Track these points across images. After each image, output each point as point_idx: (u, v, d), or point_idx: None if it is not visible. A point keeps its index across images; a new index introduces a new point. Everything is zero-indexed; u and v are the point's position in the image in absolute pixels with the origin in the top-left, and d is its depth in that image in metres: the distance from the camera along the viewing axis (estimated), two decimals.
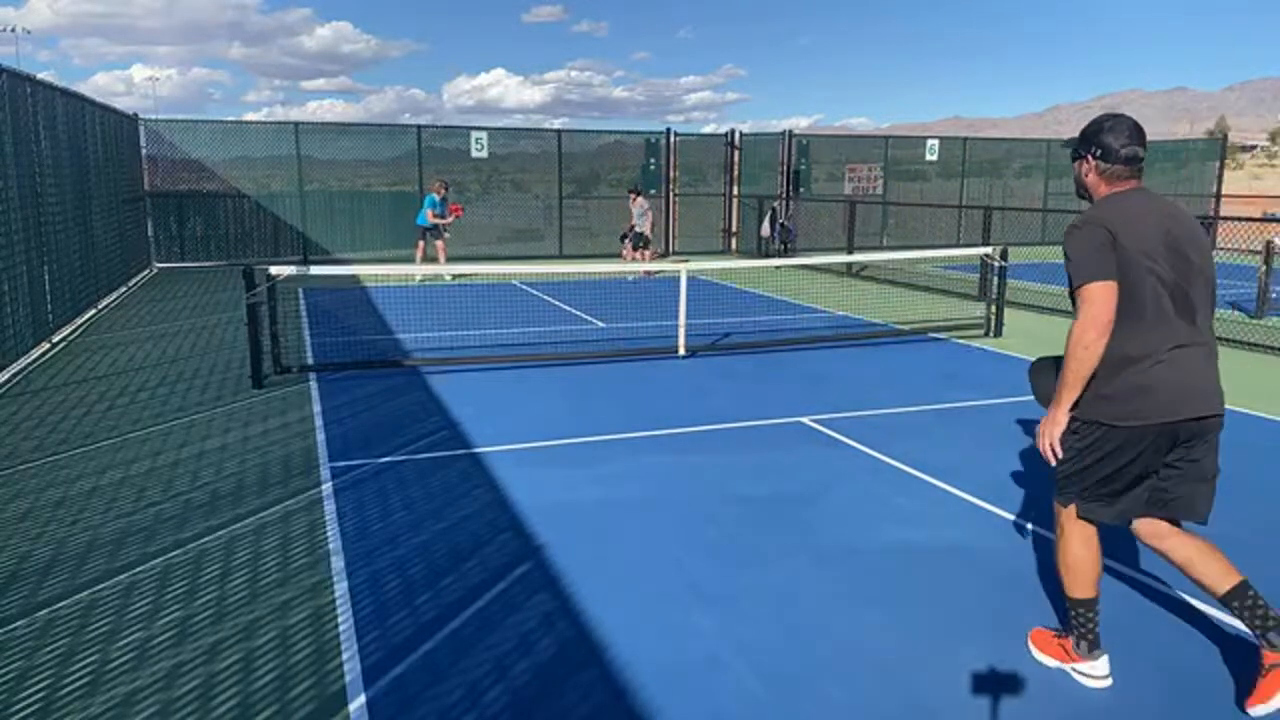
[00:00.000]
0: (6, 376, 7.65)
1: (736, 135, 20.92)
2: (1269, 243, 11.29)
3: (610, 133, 21.11)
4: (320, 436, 6.07)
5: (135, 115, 16.12)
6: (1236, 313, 11.20)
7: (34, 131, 8.95)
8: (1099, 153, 3.10)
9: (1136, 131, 3.09)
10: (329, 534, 4.45)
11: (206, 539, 4.40)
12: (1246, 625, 3.08)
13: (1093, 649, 3.20)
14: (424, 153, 18.43)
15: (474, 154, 18.93)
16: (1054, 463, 3.12)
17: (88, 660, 3.32)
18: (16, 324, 8.03)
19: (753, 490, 5.11)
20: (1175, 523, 3.18)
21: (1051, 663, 3.30)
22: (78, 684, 3.16)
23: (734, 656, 3.37)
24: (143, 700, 3.07)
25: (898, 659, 3.36)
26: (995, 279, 9.95)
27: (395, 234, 18.31)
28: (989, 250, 10.07)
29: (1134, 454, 3.02)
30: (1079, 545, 3.18)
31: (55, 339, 9.32)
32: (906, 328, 10.24)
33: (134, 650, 3.39)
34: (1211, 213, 21.32)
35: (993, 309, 9.95)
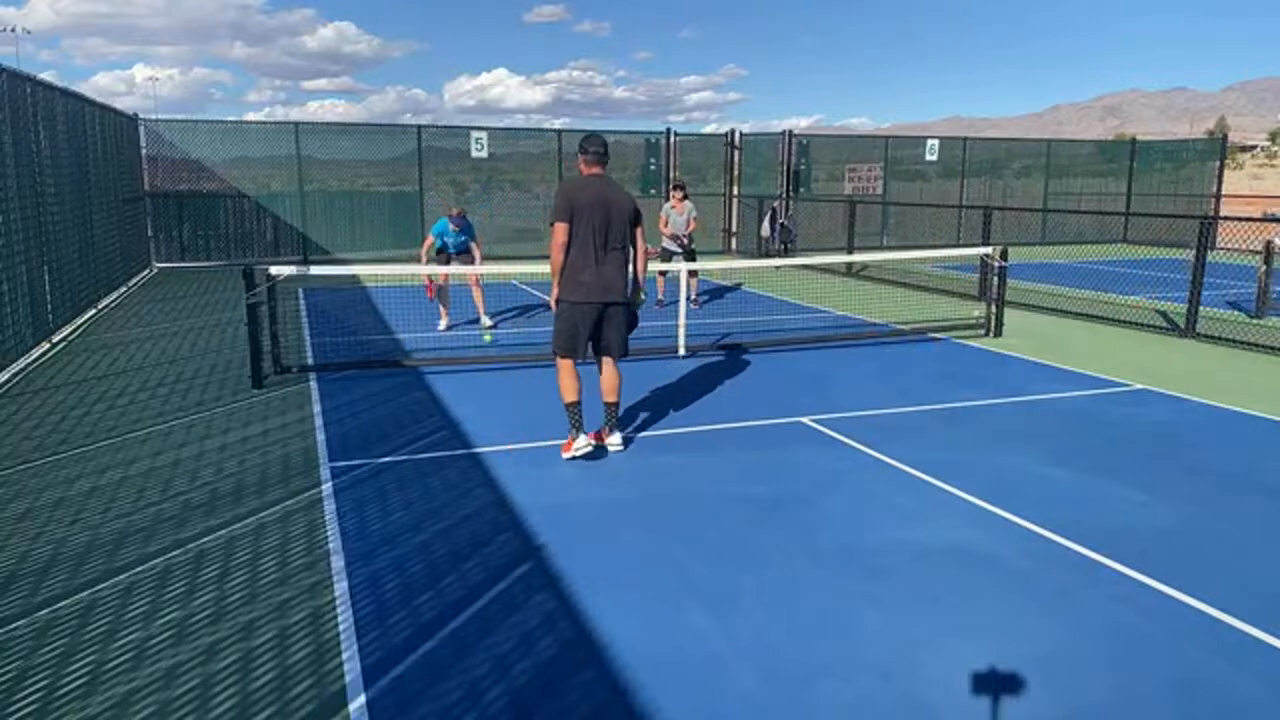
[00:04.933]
0: (6, 376, 7.65)
1: (737, 135, 20.92)
2: (1269, 243, 11.28)
3: (611, 132, 21.11)
4: (320, 436, 6.06)
5: (135, 115, 16.12)
6: (1236, 313, 11.20)
7: (34, 131, 8.94)
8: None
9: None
10: (329, 534, 4.45)
11: (206, 539, 4.39)
12: (607, 420, 5.74)
13: (577, 434, 5.51)
14: (424, 153, 18.43)
15: (474, 154, 18.93)
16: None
17: (86, 660, 3.31)
18: (16, 324, 8.03)
19: (753, 490, 5.11)
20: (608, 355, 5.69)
21: (566, 455, 5.53)
22: (76, 684, 3.16)
23: (734, 656, 3.36)
24: (141, 700, 3.07)
25: (897, 659, 3.35)
26: (995, 279, 9.94)
27: (395, 234, 18.32)
28: (989, 250, 10.06)
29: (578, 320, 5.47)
30: (563, 373, 5.56)
31: (55, 339, 9.31)
32: (906, 328, 10.23)
33: (132, 650, 3.38)
34: (1211, 213, 21.32)
35: (993, 309, 9.94)
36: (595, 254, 5.43)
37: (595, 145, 5.59)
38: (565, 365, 5.59)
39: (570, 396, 5.56)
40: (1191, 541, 4.44)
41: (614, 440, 5.75)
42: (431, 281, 9.98)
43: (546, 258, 5.59)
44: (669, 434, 6.19)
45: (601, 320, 5.57)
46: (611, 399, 5.73)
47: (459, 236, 9.99)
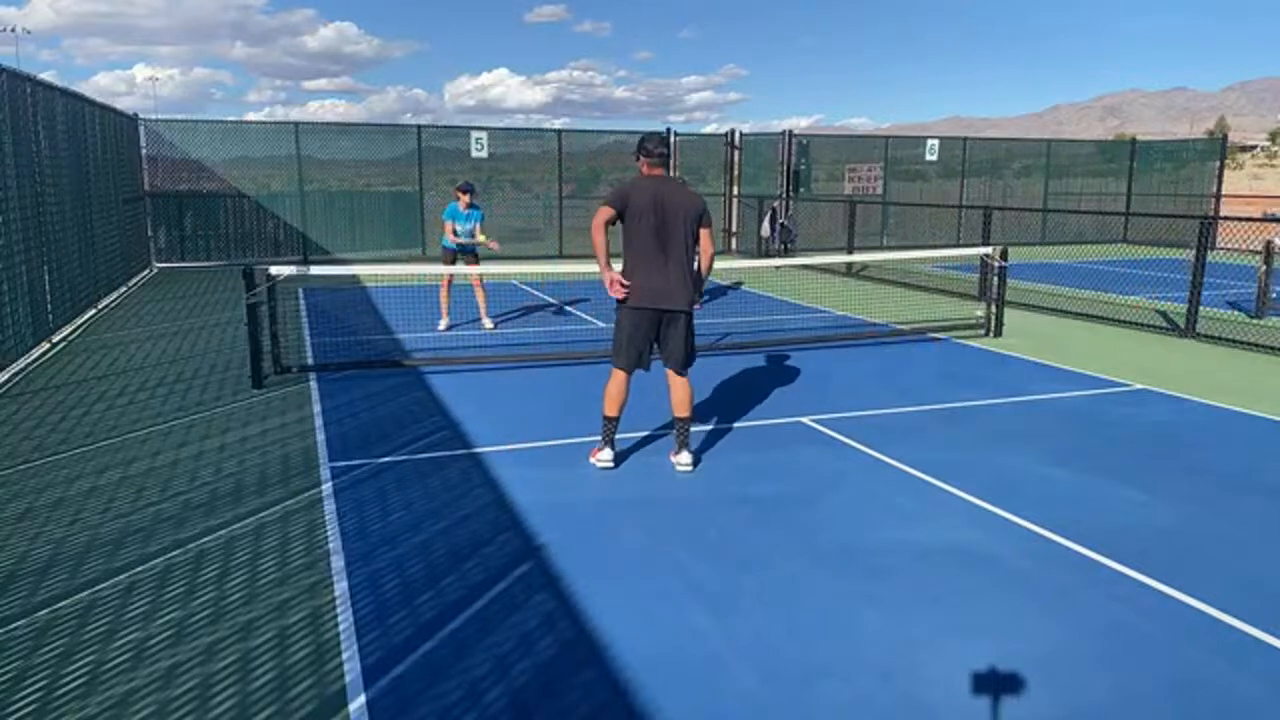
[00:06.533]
0: (6, 376, 7.64)
1: (737, 135, 20.92)
2: (1269, 243, 11.28)
3: (611, 133, 21.12)
4: (320, 436, 6.06)
5: (135, 115, 16.12)
6: (1236, 313, 11.19)
7: (34, 131, 8.94)
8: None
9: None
10: (329, 534, 4.44)
11: (206, 539, 4.39)
12: (677, 438, 5.48)
13: (605, 447, 5.42)
14: (424, 153, 18.43)
15: (474, 154, 18.92)
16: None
17: (85, 660, 3.31)
18: (16, 324, 8.03)
19: (753, 490, 5.11)
20: (673, 369, 5.45)
21: (591, 460, 5.43)
22: (75, 684, 3.16)
23: (734, 656, 3.36)
24: (141, 700, 3.07)
25: (897, 659, 3.35)
26: (995, 279, 9.94)
27: (395, 234, 18.32)
28: (989, 250, 10.06)
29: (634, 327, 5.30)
30: (613, 383, 5.38)
31: (55, 339, 9.31)
32: (906, 328, 10.23)
33: (132, 650, 3.38)
34: (1211, 213, 21.32)
35: (993, 309, 9.94)
36: (652, 258, 5.18)
37: (658, 146, 5.29)
38: (616, 378, 5.39)
39: (610, 410, 5.38)
40: (1191, 541, 4.44)
41: (683, 460, 5.43)
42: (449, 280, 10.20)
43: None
44: (669, 434, 6.18)
45: (660, 329, 5.33)
46: (682, 414, 5.43)
47: (469, 220, 9.93)
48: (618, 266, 5.34)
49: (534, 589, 3.88)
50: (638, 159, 5.35)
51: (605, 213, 5.18)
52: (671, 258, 5.22)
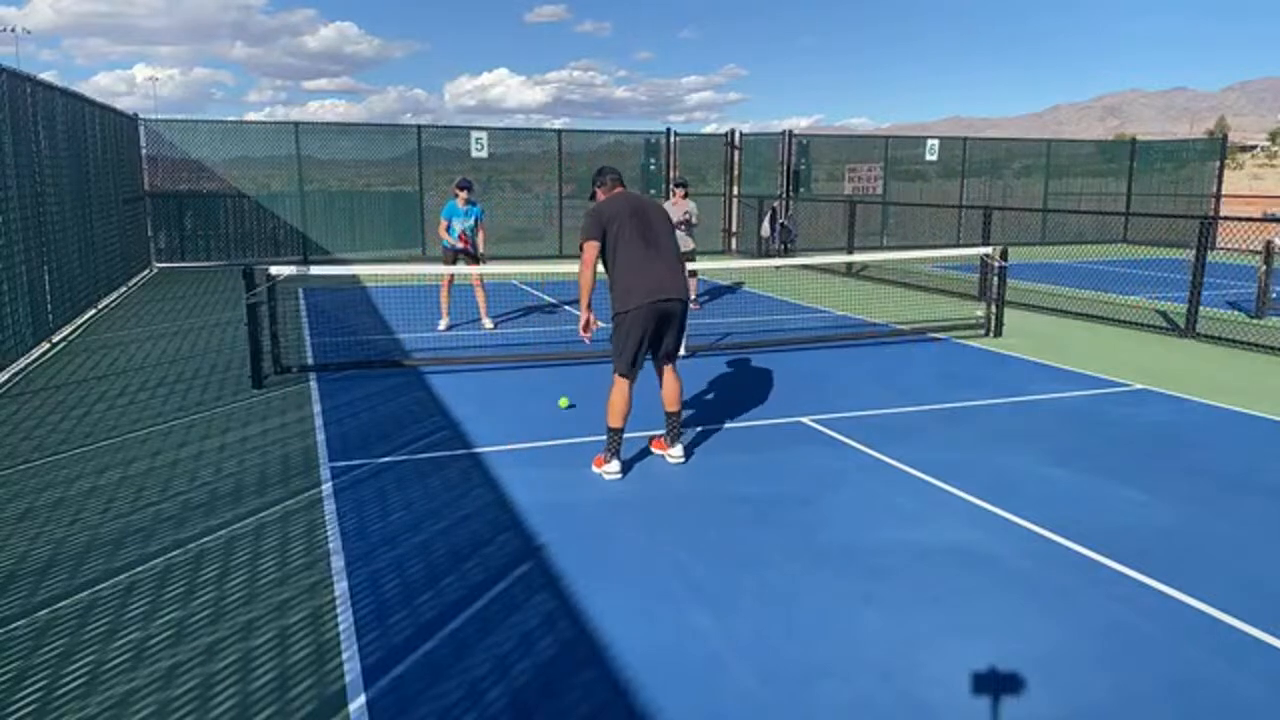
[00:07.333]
0: (6, 376, 7.64)
1: (737, 135, 20.92)
2: (1269, 243, 11.28)
3: (611, 132, 21.11)
4: (320, 436, 6.06)
5: (135, 115, 16.12)
6: (1236, 313, 11.19)
7: (34, 131, 8.94)
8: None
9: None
10: (329, 534, 4.44)
11: (206, 539, 4.39)
12: (668, 432, 5.57)
13: (612, 458, 5.33)
14: (424, 153, 18.43)
15: (474, 154, 18.92)
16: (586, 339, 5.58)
17: (85, 660, 3.31)
18: (16, 324, 8.03)
19: (753, 490, 5.11)
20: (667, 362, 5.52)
21: (596, 470, 5.34)
22: (75, 683, 3.16)
23: (734, 656, 3.36)
24: (141, 700, 3.07)
25: (897, 659, 3.35)
26: (995, 279, 9.94)
27: (395, 234, 18.32)
28: (989, 250, 10.06)
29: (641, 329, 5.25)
30: (618, 394, 5.32)
31: (55, 339, 9.31)
32: (906, 328, 10.23)
33: (132, 650, 3.38)
34: (1211, 213, 21.32)
35: (993, 309, 9.94)
36: (643, 257, 5.24)
37: (612, 172, 5.58)
38: (621, 386, 5.32)
39: (616, 422, 5.32)
40: (1191, 541, 4.44)
41: (675, 452, 5.54)
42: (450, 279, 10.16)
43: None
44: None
45: (660, 323, 5.32)
46: (673, 408, 5.50)
47: (468, 217, 9.91)
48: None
49: (534, 589, 3.88)
50: (593, 196, 5.57)
51: (593, 247, 5.29)
52: (662, 253, 5.31)
